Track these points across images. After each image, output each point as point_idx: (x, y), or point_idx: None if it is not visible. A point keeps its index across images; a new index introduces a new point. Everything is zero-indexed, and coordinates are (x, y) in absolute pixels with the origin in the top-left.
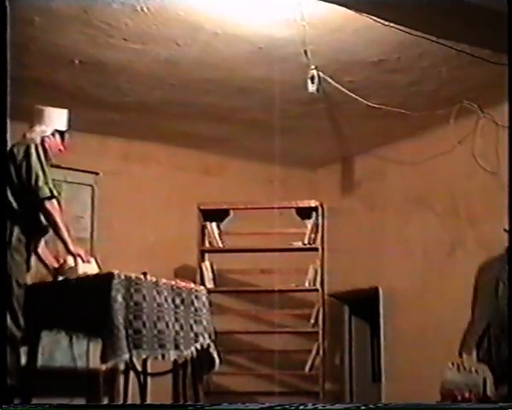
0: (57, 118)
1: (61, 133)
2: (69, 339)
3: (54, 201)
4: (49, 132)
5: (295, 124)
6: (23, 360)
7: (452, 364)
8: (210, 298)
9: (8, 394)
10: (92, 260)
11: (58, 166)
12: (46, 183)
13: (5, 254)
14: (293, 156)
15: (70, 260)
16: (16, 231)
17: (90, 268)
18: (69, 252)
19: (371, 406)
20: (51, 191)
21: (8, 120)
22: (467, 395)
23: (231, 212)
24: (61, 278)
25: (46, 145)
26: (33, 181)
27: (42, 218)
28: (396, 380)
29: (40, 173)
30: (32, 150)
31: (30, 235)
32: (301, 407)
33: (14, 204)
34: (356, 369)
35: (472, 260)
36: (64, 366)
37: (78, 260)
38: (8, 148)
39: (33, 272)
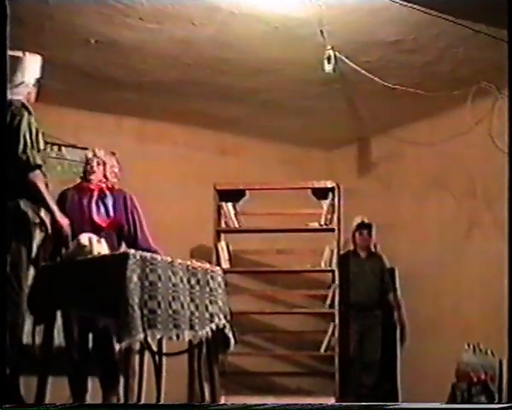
0: (36, 64)
1: (38, 82)
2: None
3: (37, 171)
4: (32, 84)
5: (311, 104)
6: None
7: (468, 346)
8: (225, 278)
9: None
10: (102, 240)
11: (74, 146)
12: (31, 151)
13: (6, 252)
14: (310, 137)
15: (83, 240)
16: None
17: (101, 248)
18: (56, 222)
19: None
20: (34, 161)
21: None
22: (483, 376)
23: (247, 192)
24: (77, 258)
25: (31, 99)
26: (20, 150)
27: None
28: (411, 362)
29: (28, 141)
30: (25, 116)
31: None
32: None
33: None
34: None
35: (489, 242)
36: None
37: (93, 239)
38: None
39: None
